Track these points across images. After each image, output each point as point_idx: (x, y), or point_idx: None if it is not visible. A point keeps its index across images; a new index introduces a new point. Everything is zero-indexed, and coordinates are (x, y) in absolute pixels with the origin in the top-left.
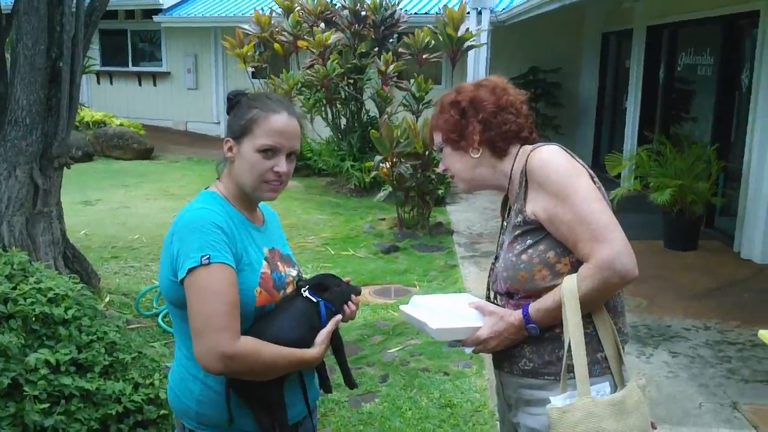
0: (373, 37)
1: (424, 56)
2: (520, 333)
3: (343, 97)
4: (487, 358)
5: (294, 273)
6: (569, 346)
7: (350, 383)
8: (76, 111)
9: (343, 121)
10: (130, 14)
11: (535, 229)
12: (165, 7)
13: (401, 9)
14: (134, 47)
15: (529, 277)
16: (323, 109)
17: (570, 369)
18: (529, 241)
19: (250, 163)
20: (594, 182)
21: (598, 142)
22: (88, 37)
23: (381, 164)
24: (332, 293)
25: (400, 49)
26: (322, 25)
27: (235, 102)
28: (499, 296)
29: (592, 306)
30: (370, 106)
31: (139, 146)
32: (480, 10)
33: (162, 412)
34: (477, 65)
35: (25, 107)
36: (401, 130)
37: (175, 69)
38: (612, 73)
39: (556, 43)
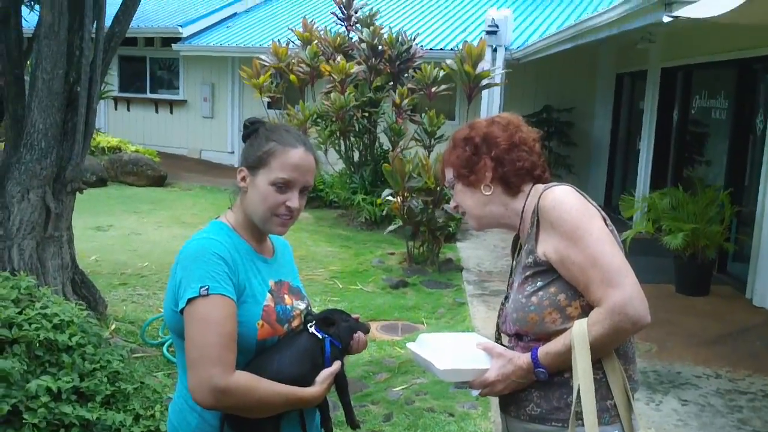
0: (389, 71)
1: (433, 90)
2: (528, 377)
3: (358, 129)
4: (494, 399)
5: (302, 306)
6: (578, 392)
7: (352, 423)
8: (92, 136)
9: (356, 154)
10: (149, 41)
11: (546, 271)
12: (184, 35)
13: (417, 44)
14: (152, 74)
15: (539, 320)
16: (337, 141)
17: (579, 416)
18: (539, 283)
19: (262, 195)
20: (607, 225)
21: (611, 183)
22: (106, 63)
23: (391, 198)
24: (339, 329)
25: (410, 85)
26: (339, 58)
27: (251, 130)
28: (508, 337)
29: (602, 352)
30: (384, 140)
31: (153, 173)
32: (495, 48)
33: None
34: (491, 102)
35: (41, 131)
36: (413, 164)
37: (191, 97)
38: (626, 113)
39: (570, 82)
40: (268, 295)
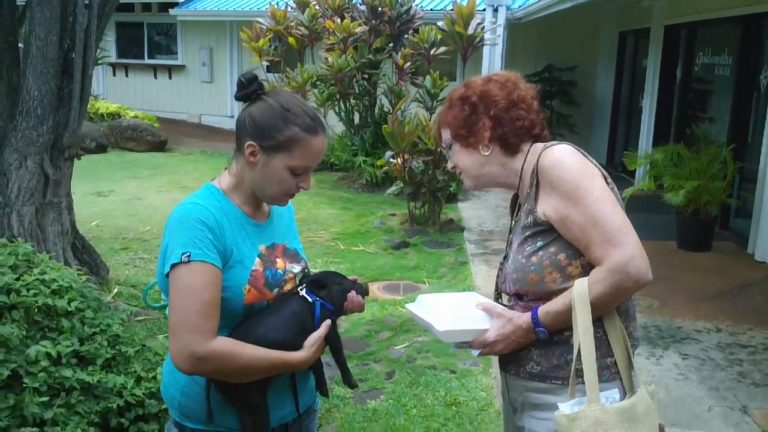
0: (389, 32)
1: (432, 52)
2: (528, 336)
3: (357, 92)
4: (495, 357)
5: (297, 269)
6: (579, 350)
7: (349, 383)
8: (88, 102)
9: (356, 116)
10: (146, 7)
11: (545, 231)
12: (181, 0)
13: (417, 5)
14: (150, 40)
15: (539, 280)
16: (336, 103)
17: (579, 374)
18: (539, 243)
19: (278, 178)
20: (607, 183)
21: (614, 142)
22: (100, 29)
23: (392, 160)
24: (331, 291)
25: (409, 49)
26: (338, 20)
27: (251, 91)
28: (508, 297)
29: (603, 310)
30: (384, 102)
31: (153, 138)
32: (496, 7)
33: (163, 406)
34: (492, 62)
35: (36, 98)
36: (412, 125)
37: (190, 62)
38: (628, 72)
39: (573, 41)
40: (257, 260)
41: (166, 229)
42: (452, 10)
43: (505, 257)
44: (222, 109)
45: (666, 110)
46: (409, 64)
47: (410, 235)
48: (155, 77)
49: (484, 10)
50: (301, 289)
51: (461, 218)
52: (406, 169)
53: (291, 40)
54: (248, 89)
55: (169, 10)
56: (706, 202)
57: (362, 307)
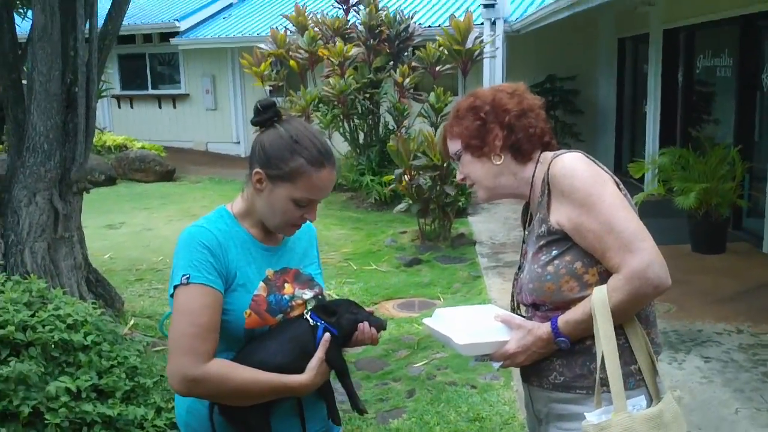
0: (388, 51)
1: (437, 69)
2: (549, 347)
3: (360, 111)
4: (515, 370)
5: (309, 295)
6: (602, 359)
7: (357, 408)
8: (93, 135)
9: (361, 135)
10: (147, 38)
11: (560, 239)
12: (182, 29)
13: (415, 22)
14: (153, 70)
15: (556, 289)
16: (341, 124)
17: (604, 383)
18: (554, 252)
19: (282, 208)
20: (620, 189)
21: (620, 148)
22: (102, 62)
23: (402, 177)
24: (341, 319)
25: (414, 63)
26: (338, 41)
27: (266, 118)
28: (525, 308)
29: (623, 317)
30: (388, 120)
31: (160, 168)
32: (494, 20)
33: None
34: (493, 74)
35: (42, 133)
36: (417, 142)
37: (193, 90)
38: (630, 78)
39: (572, 50)
40: (261, 284)
41: (174, 253)
42: (449, 25)
43: (520, 268)
44: (227, 135)
45: (670, 114)
46: (408, 80)
47: (422, 251)
48: (160, 107)
49: (482, 24)
50: (307, 313)
51: (472, 232)
52: (414, 186)
53: (292, 63)
54: (263, 116)
55: (170, 39)
56: (717, 203)
57: (375, 340)
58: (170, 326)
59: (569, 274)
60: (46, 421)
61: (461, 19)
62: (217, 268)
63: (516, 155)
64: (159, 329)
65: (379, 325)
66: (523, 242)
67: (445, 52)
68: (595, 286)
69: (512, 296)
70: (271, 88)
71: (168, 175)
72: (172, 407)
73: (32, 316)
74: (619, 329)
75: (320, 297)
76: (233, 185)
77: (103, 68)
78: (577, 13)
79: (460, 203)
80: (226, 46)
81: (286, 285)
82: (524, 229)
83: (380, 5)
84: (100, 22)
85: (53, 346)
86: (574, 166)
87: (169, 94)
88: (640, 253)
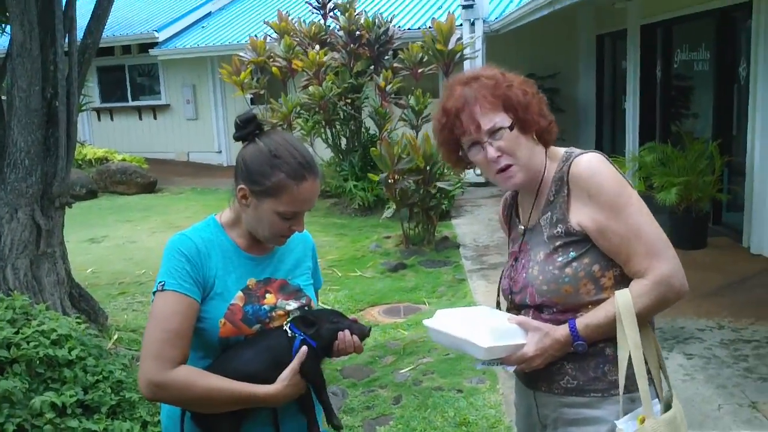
0: (369, 55)
1: (419, 70)
2: (564, 350)
3: (342, 117)
4: (501, 373)
5: (293, 306)
6: (621, 363)
7: (332, 423)
8: (75, 149)
9: (343, 141)
10: (126, 49)
11: (579, 241)
12: (161, 39)
13: (394, 25)
14: (132, 82)
15: (574, 292)
16: (322, 130)
17: (628, 388)
18: (572, 254)
19: (268, 222)
20: None
21: (600, 145)
22: (82, 75)
23: (387, 180)
24: (321, 329)
25: (396, 65)
26: (317, 47)
27: (247, 132)
28: (523, 309)
29: (642, 322)
30: (370, 125)
31: (142, 180)
32: (473, 21)
33: None
34: None
35: (23, 149)
36: (401, 146)
37: (174, 101)
38: (609, 74)
39: (552, 48)
40: (239, 294)
41: None
42: (431, 27)
43: (514, 266)
44: (209, 145)
45: (649, 109)
46: (391, 84)
47: (406, 256)
48: (140, 119)
49: (461, 25)
50: (286, 324)
51: (456, 235)
52: (398, 189)
53: (274, 69)
54: (244, 130)
55: (149, 50)
56: (697, 198)
57: (359, 348)
58: (145, 331)
59: (587, 277)
60: None
61: (443, 20)
62: (194, 276)
63: (543, 141)
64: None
65: (362, 332)
66: (519, 239)
67: (429, 52)
68: (610, 289)
69: (504, 296)
70: (252, 96)
71: (150, 187)
72: (158, 421)
73: (16, 332)
74: None
75: (306, 308)
76: (216, 195)
77: (83, 82)
78: (556, 11)
79: (443, 206)
80: (206, 56)
81: (267, 295)
82: (507, 225)
83: (357, 9)
84: (80, 35)
85: (38, 362)
86: (600, 168)
87: (149, 105)
88: (667, 260)
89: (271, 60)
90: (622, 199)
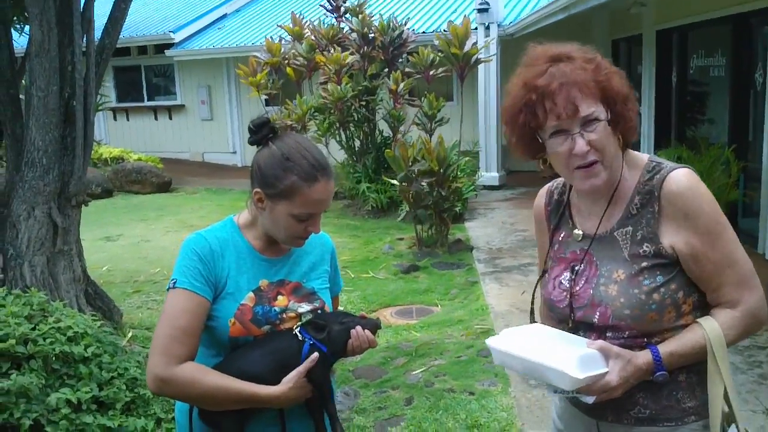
0: (383, 58)
1: (431, 73)
2: (643, 378)
3: (356, 119)
4: (513, 376)
5: (305, 309)
6: (725, 396)
7: None
8: (92, 149)
9: (357, 143)
10: (142, 50)
11: (667, 265)
12: (177, 40)
13: (409, 29)
14: (148, 82)
15: (658, 319)
16: (337, 132)
17: (691, 411)
18: (659, 278)
19: (283, 224)
20: None
21: None
22: (99, 75)
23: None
24: (331, 333)
25: (407, 69)
26: (333, 49)
27: (261, 137)
28: (583, 326)
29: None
30: (383, 127)
31: (157, 180)
32: (488, 25)
33: None
34: (488, 79)
35: (40, 148)
36: (416, 148)
37: (189, 101)
38: None
39: None
40: (250, 295)
41: None
42: (446, 30)
43: (577, 278)
44: (224, 146)
45: (665, 115)
46: (402, 86)
47: (419, 258)
48: (156, 119)
49: (476, 28)
50: (296, 328)
51: (469, 238)
52: (412, 192)
53: (290, 71)
54: (257, 135)
55: (165, 51)
56: None
57: (372, 342)
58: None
59: (672, 304)
60: None
61: (458, 23)
62: (205, 275)
63: (625, 141)
64: None
65: (374, 325)
66: (576, 245)
67: (440, 55)
68: (688, 315)
69: (532, 302)
70: (267, 97)
71: (165, 187)
72: (172, 418)
73: (33, 329)
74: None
75: (320, 312)
76: (230, 195)
77: (100, 82)
78: (571, 16)
79: (457, 209)
80: (221, 57)
81: (279, 297)
82: (550, 231)
83: (373, 12)
84: (97, 35)
85: (54, 358)
86: (699, 188)
87: (164, 106)
88: (757, 291)
89: (287, 61)
90: (720, 225)
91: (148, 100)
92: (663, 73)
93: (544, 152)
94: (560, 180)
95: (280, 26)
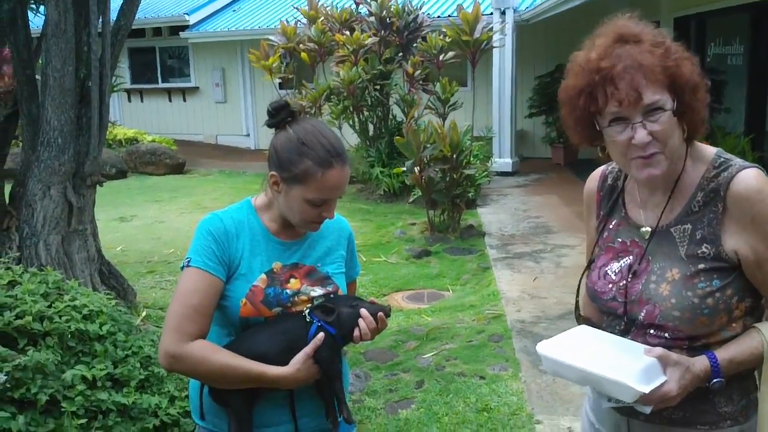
0: (398, 42)
1: (441, 58)
2: (700, 385)
3: (370, 103)
4: (524, 360)
5: (318, 293)
6: (743, 395)
7: (343, 417)
8: (107, 129)
9: (371, 127)
10: (157, 31)
11: (725, 269)
12: (191, 22)
13: (424, 13)
14: (163, 64)
15: (709, 323)
16: (351, 115)
17: (737, 420)
18: (716, 282)
19: (298, 209)
20: None
21: None
22: (115, 56)
23: (414, 168)
24: (340, 315)
25: (418, 56)
26: (347, 33)
27: (279, 120)
28: (623, 321)
29: None
30: (397, 112)
31: (171, 161)
32: (503, 10)
33: None
34: (503, 64)
35: (56, 128)
36: (427, 134)
37: (203, 83)
38: None
39: (582, 39)
40: (263, 276)
41: None
42: (457, 16)
43: (633, 271)
44: (237, 128)
45: None
46: (419, 71)
47: (431, 243)
48: (170, 100)
49: (491, 13)
50: (305, 310)
51: (481, 223)
52: (424, 177)
53: (303, 55)
54: (275, 118)
55: (180, 33)
56: None
57: (382, 322)
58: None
59: (725, 310)
60: (62, 409)
61: (469, 9)
62: (219, 255)
63: (689, 133)
64: None
65: (385, 309)
66: (628, 236)
67: (447, 41)
68: (738, 320)
69: (578, 294)
70: (280, 80)
71: (178, 168)
72: (185, 396)
73: (49, 306)
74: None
75: (332, 296)
76: (243, 177)
77: (116, 63)
78: (588, 2)
79: (469, 194)
80: (236, 39)
81: (292, 280)
82: (601, 217)
83: None
84: (113, 16)
85: (69, 335)
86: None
87: (179, 88)
88: None
89: (301, 45)
90: None
91: (162, 82)
92: None
93: (603, 140)
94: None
95: (296, 8)
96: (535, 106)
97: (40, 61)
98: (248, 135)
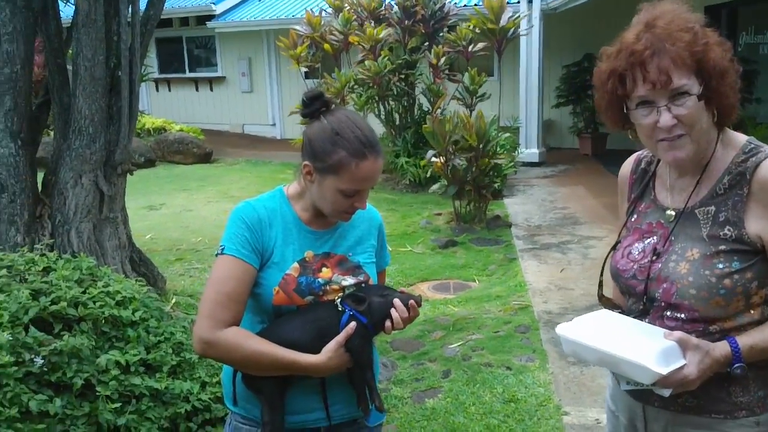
0: (423, 32)
1: (470, 49)
2: (719, 371)
3: (395, 93)
4: (551, 351)
5: (349, 282)
6: (760, 386)
7: (375, 405)
8: (136, 118)
9: (397, 117)
10: (184, 21)
11: (747, 252)
12: (218, 12)
13: (450, 2)
14: (190, 54)
15: (725, 305)
16: (376, 106)
17: (753, 411)
18: (735, 264)
19: (330, 199)
20: None
21: None
22: (144, 46)
23: (434, 159)
24: (371, 305)
25: (445, 48)
26: (373, 22)
27: (313, 110)
28: (642, 301)
29: None
30: (423, 102)
31: (198, 150)
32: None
33: None
34: (530, 53)
35: (87, 117)
36: (453, 124)
37: (230, 73)
38: None
39: (611, 28)
40: (295, 265)
41: None
42: (479, 5)
43: (657, 253)
44: (263, 118)
45: None
46: (443, 60)
47: (457, 233)
48: (197, 90)
49: (518, 2)
50: (337, 299)
51: (508, 214)
52: (449, 167)
53: (326, 46)
54: (309, 108)
55: (207, 23)
56: None
57: (414, 310)
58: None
59: (743, 293)
60: (97, 393)
61: None
62: (252, 243)
63: (720, 117)
64: None
65: (416, 298)
66: (655, 218)
67: (476, 31)
68: (757, 307)
69: (602, 274)
70: (306, 69)
71: (206, 157)
72: (216, 382)
73: (83, 292)
74: None
75: (363, 285)
76: (270, 167)
77: (145, 53)
78: None
79: (496, 185)
80: (262, 29)
81: (324, 269)
82: (632, 200)
83: None
84: (142, 6)
85: (103, 321)
86: None
87: (205, 77)
88: None
89: (326, 35)
90: None
91: (189, 72)
92: None
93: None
94: None
95: None
96: (562, 96)
97: (70, 51)
98: (274, 124)
